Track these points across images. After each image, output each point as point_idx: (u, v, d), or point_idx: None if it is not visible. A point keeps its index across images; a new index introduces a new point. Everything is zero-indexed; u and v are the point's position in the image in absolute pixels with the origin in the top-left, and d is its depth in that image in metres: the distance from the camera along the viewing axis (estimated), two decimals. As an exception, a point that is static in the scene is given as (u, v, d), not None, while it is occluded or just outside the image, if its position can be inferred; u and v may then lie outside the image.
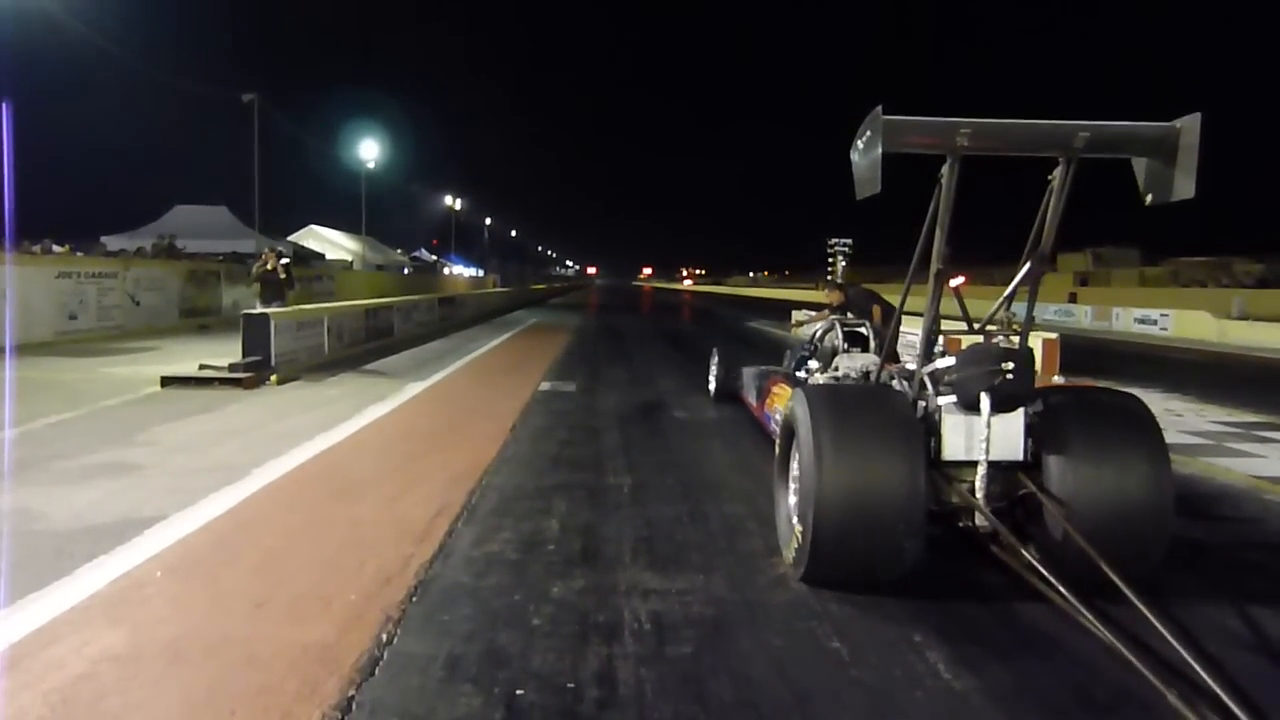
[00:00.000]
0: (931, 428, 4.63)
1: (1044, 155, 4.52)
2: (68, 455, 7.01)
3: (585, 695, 3.35)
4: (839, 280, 9.55)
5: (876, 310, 8.23)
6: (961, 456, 4.56)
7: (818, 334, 8.18)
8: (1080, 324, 35.34)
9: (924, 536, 4.28)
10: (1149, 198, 4.40)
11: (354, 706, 3.20)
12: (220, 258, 28.09)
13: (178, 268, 21.82)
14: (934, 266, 4.70)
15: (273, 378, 11.48)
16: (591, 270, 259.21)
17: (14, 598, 4.09)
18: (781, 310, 37.08)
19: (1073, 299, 41.63)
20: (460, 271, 72.38)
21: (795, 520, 4.71)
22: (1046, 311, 38.04)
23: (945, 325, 5.37)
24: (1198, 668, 3.22)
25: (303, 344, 13.13)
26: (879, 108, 4.28)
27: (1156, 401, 12.19)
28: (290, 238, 42.19)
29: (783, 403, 5.71)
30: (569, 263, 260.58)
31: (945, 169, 4.54)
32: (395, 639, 3.78)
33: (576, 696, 3.33)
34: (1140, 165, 4.44)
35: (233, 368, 11.23)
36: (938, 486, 4.59)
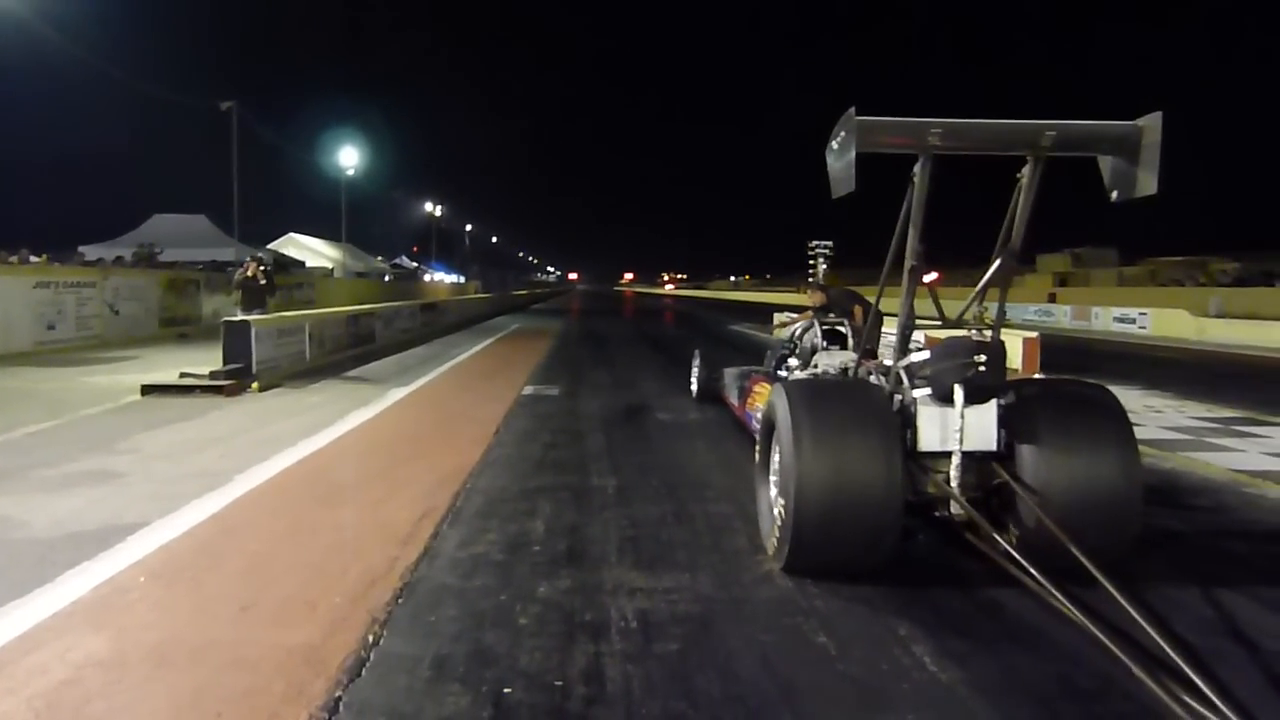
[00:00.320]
0: (908, 420, 4.74)
1: (1012, 154, 4.63)
2: (48, 464, 6.95)
3: (573, 693, 3.35)
4: (820, 282, 9.59)
5: (858, 310, 8.28)
6: (937, 447, 4.68)
7: (797, 333, 8.23)
8: (1060, 324, 35.59)
9: (901, 525, 4.39)
10: (1114, 194, 4.52)
11: (341, 707, 3.19)
12: (200, 266, 27.91)
13: (157, 277, 21.64)
14: (908, 263, 4.80)
15: (254, 385, 11.42)
16: (573, 276, 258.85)
17: (-5, 605, 4.05)
18: (763, 313, 37.17)
19: (1052, 299, 41.91)
20: (442, 278, 72.16)
21: (776, 511, 4.79)
22: (1026, 311, 38.36)
23: (928, 324, 5.44)
24: (1166, 647, 3.28)
25: (284, 351, 13.07)
26: (852, 109, 4.38)
27: (1136, 398, 12.31)
28: (270, 245, 41.86)
29: (764, 401, 5.77)
30: (551, 268, 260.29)
31: (918, 168, 4.63)
32: (381, 640, 3.77)
33: (565, 694, 3.34)
34: (1105, 163, 4.56)
35: (214, 375, 11.19)
36: (914, 477, 4.71)
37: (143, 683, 3.35)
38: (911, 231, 4.74)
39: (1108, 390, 4.89)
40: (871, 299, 5.59)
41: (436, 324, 26.12)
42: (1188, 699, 3.05)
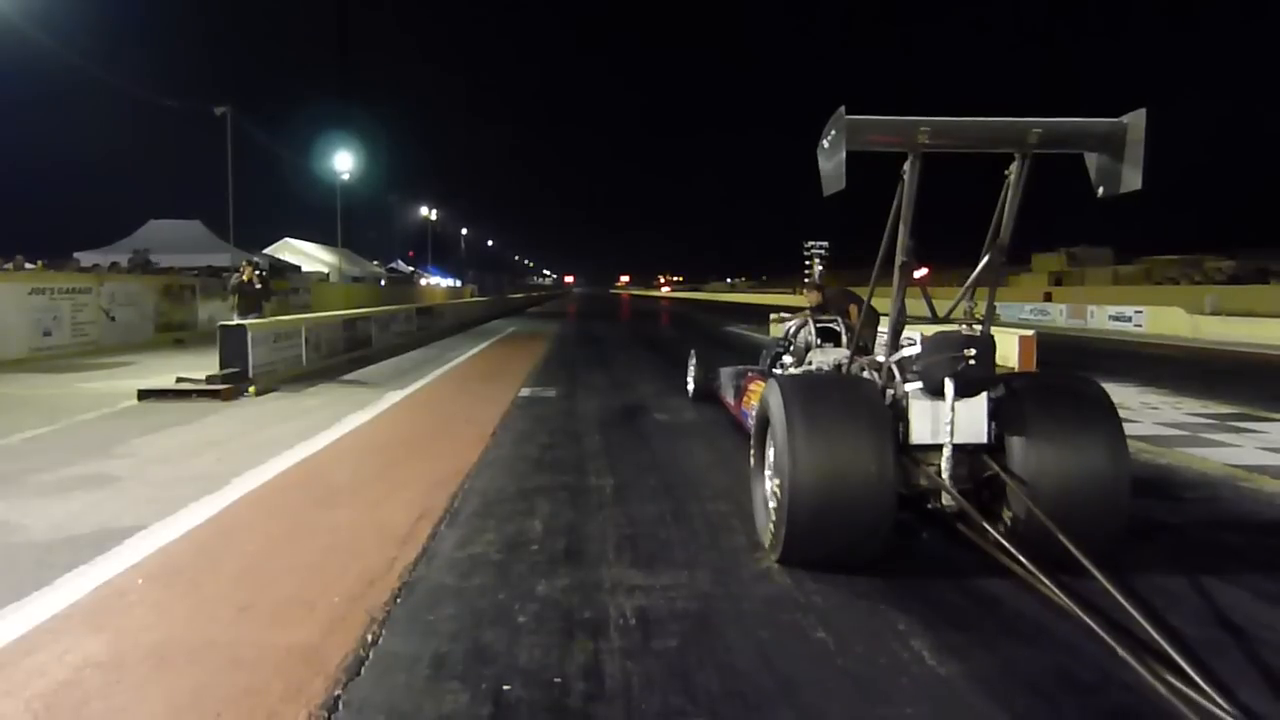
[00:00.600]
0: (900, 413, 4.80)
1: (1000, 151, 4.68)
2: (45, 469, 6.95)
3: (572, 689, 3.35)
4: (817, 281, 9.60)
5: (853, 309, 8.29)
6: (928, 440, 4.74)
7: (791, 331, 8.26)
8: (1055, 322, 35.66)
9: (894, 517, 4.46)
10: (1100, 190, 4.58)
11: (340, 705, 3.19)
12: (195, 272, 27.89)
13: (152, 282, 21.65)
14: (899, 259, 4.87)
15: (251, 389, 11.42)
16: (569, 279, 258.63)
17: (-7, 608, 4.05)
18: (759, 315, 37.17)
19: (1048, 298, 42.01)
20: (438, 282, 72.16)
21: (771, 505, 4.87)
22: (1022, 310, 38.44)
23: (920, 322, 5.48)
24: (1157, 636, 3.33)
25: (280, 355, 13.06)
26: (842, 108, 4.44)
27: (1132, 395, 12.33)
28: (265, 251, 41.86)
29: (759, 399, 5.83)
30: (546, 272, 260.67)
31: (907, 165, 4.70)
32: (380, 639, 3.77)
33: (564, 691, 3.34)
34: (1092, 160, 4.62)
35: (210, 380, 11.17)
36: (907, 470, 4.77)
37: (141, 683, 3.35)
38: (902, 228, 4.80)
39: (1096, 383, 4.96)
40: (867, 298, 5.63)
41: (433, 328, 26.10)
42: (1181, 686, 3.07)
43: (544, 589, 4.42)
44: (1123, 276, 51.23)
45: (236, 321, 12.62)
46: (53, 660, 3.52)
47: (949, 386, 4.60)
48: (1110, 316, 32.68)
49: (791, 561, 4.69)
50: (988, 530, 4.35)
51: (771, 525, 4.82)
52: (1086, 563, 3.79)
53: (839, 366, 6.64)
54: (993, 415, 4.75)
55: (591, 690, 3.35)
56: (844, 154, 4.42)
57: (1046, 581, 3.81)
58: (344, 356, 16.16)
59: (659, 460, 7.67)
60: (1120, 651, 3.26)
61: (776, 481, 4.75)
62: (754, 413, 5.62)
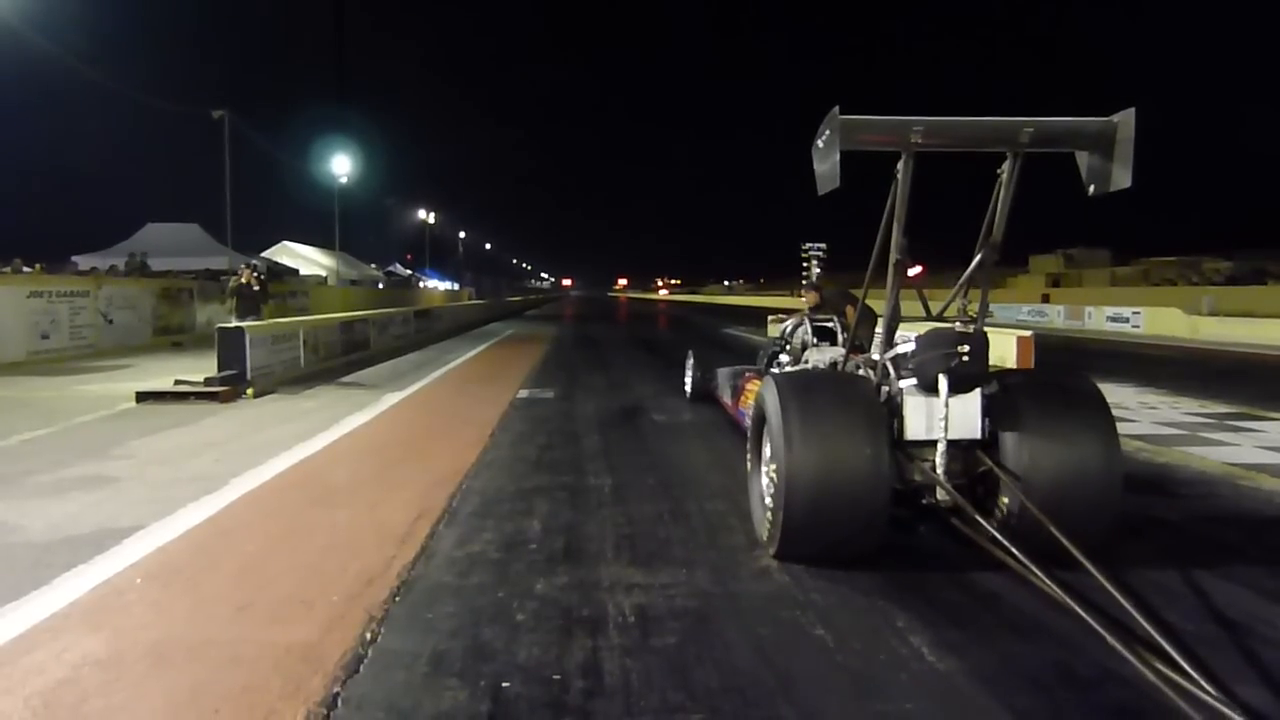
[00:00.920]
0: (894, 410, 4.85)
1: (992, 150, 4.74)
2: (43, 470, 6.94)
3: (572, 686, 3.35)
4: (815, 282, 9.61)
5: (850, 309, 8.30)
6: (923, 436, 4.78)
7: (788, 330, 8.28)
8: (1053, 323, 35.70)
9: (889, 512, 4.51)
10: (1091, 189, 4.62)
11: (339, 703, 3.19)
12: (193, 275, 27.87)
13: (150, 285, 21.62)
14: (892, 257, 4.90)
15: (249, 391, 11.41)
16: (567, 282, 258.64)
17: (-9, 608, 4.04)
18: (757, 317, 37.17)
19: (1045, 299, 42.04)
20: (436, 285, 72.17)
21: (768, 500, 4.92)
22: (1020, 312, 38.47)
23: (914, 320, 5.52)
24: (1149, 628, 3.36)
25: (278, 357, 13.05)
26: (836, 108, 4.49)
27: (1131, 395, 12.35)
28: (263, 254, 41.83)
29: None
30: (544, 275, 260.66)
31: (900, 165, 4.75)
32: (379, 637, 3.77)
33: (563, 687, 3.34)
34: (1082, 159, 4.67)
35: (208, 382, 11.17)
36: (901, 465, 4.81)
37: (140, 681, 3.35)
38: (895, 227, 4.86)
39: (1088, 379, 5.02)
40: (867, 299, 5.67)
41: (431, 330, 26.10)
42: (1180, 680, 3.07)
43: (543, 587, 4.42)
44: (1120, 278, 51.32)
45: (234, 324, 12.60)
46: (51, 658, 3.52)
47: (943, 383, 4.65)
48: (1108, 317, 32.72)
49: (788, 556, 4.73)
50: (981, 524, 4.39)
51: (768, 520, 4.87)
52: (1079, 556, 3.82)
53: (834, 365, 6.67)
54: (986, 411, 4.79)
55: (590, 687, 3.34)
56: (838, 154, 4.48)
57: (1040, 574, 3.83)
58: (342, 359, 16.15)
59: (657, 460, 7.67)
60: (1118, 646, 3.27)
61: (773, 477, 4.78)
62: (751, 412, 5.64)
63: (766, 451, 5.05)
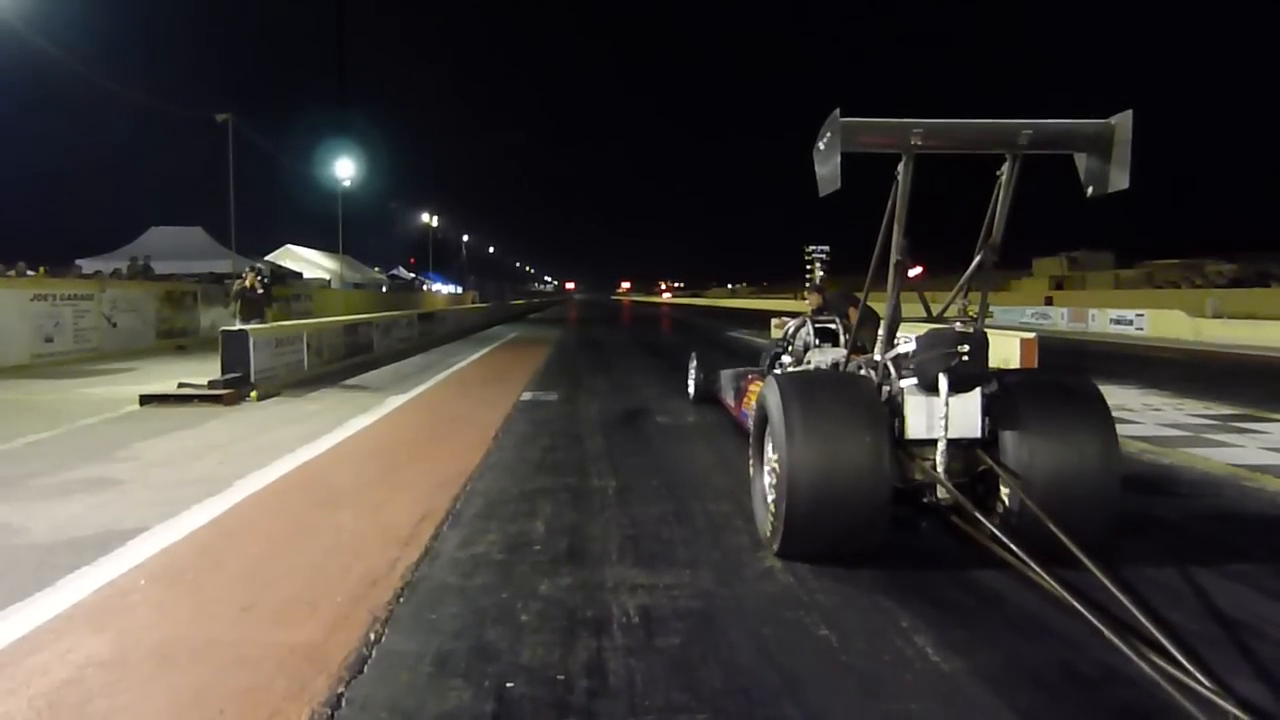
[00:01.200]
0: (895, 409, 4.88)
1: (991, 152, 4.80)
2: (47, 472, 6.95)
3: (576, 686, 3.35)
4: (817, 285, 9.63)
5: (852, 311, 8.30)
6: (923, 435, 4.81)
7: (790, 332, 8.28)
8: (1057, 326, 35.67)
9: (890, 510, 4.53)
10: (1089, 190, 4.67)
11: (344, 703, 3.19)
12: (196, 278, 27.91)
13: (154, 289, 21.65)
14: (893, 258, 4.95)
15: (252, 394, 11.41)
16: (570, 285, 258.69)
17: (-4, 609, 4.05)
18: (761, 320, 37.17)
19: (1049, 302, 41.98)
20: (439, 288, 72.20)
21: (770, 498, 4.98)
22: (1023, 314, 38.44)
23: (915, 321, 5.55)
24: (1147, 622, 3.36)
25: (282, 360, 13.06)
26: (836, 110, 4.54)
27: (1135, 397, 12.33)
28: (267, 257, 41.87)
29: (759, 398, 5.91)
30: (548, 278, 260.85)
31: (900, 167, 4.80)
32: (383, 638, 3.77)
33: (567, 687, 3.34)
34: (1081, 160, 4.71)
35: (212, 384, 11.17)
36: (902, 464, 4.85)
37: (144, 682, 3.35)
38: (896, 228, 4.91)
39: (1088, 379, 5.04)
40: (870, 301, 5.70)
41: (434, 333, 26.12)
42: (1185, 680, 3.07)
43: (547, 588, 4.41)
44: (1124, 280, 51.26)
45: (238, 327, 12.61)
46: (55, 659, 3.52)
47: (943, 382, 4.68)
48: (1111, 320, 32.68)
49: (790, 554, 4.76)
50: (982, 522, 4.40)
51: (771, 519, 4.92)
52: (1078, 553, 3.83)
53: (836, 365, 6.68)
54: (986, 410, 4.82)
55: (595, 687, 3.34)
56: (839, 156, 4.53)
57: (1040, 572, 3.84)
58: (346, 362, 16.17)
59: (661, 462, 7.67)
60: (1120, 645, 3.26)
61: (775, 476, 4.82)
62: (754, 413, 5.66)
63: (769, 450, 5.08)
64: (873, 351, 5.55)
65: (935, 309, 5.40)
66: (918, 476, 4.84)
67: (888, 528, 4.62)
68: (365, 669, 3.47)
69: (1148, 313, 30.94)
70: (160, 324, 20.76)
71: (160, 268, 30.74)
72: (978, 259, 4.93)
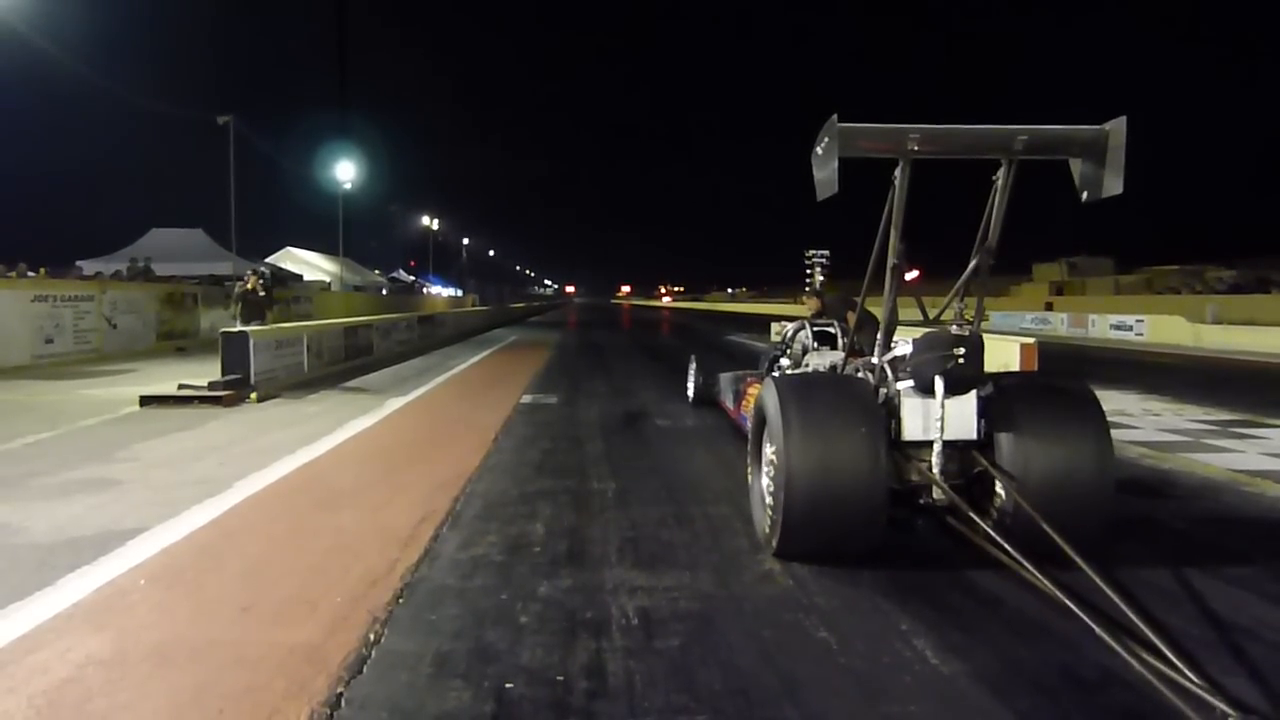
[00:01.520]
0: (892, 411, 4.92)
1: (987, 157, 4.85)
2: (47, 472, 6.95)
3: (575, 687, 3.35)
4: (817, 290, 9.63)
5: (850, 315, 8.31)
6: (920, 437, 4.85)
7: (789, 335, 8.31)
8: (1057, 331, 35.68)
9: (887, 510, 4.57)
10: (1084, 195, 4.73)
11: (343, 703, 3.19)
12: (197, 280, 27.90)
13: (154, 290, 21.65)
14: (890, 262, 4.99)
15: (252, 395, 11.42)
16: (570, 289, 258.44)
17: (-5, 608, 4.05)
18: (760, 324, 37.18)
19: (1049, 307, 41.99)
20: (439, 291, 72.21)
21: (768, 499, 5.01)
22: (1023, 320, 38.44)
23: (912, 325, 5.58)
24: (1138, 621, 3.38)
25: (282, 362, 13.07)
26: (834, 116, 4.57)
27: (1134, 402, 12.33)
28: (268, 259, 41.81)
29: (757, 401, 5.94)
30: (547, 282, 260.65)
31: (897, 171, 4.84)
32: (383, 639, 3.77)
33: (566, 688, 3.34)
34: (1076, 166, 4.77)
35: (212, 386, 11.18)
36: (899, 465, 4.88)
37: (144, 681, 3.35)
38: (893, 232, 4.94)
39: (1083, 382, 5.09)
40: (868, 305, 5.74)
41: (434, 336, 26.13)
42: (1183, 682, 3.07)
43: (546, 589, 4.42)
44: (1124, 286, 51.21)
45: (239, 328, 12.62)
46: (55, 658, 3.52)
47: (939, 384, 4.72)
48: (1111, 325, 32.68)
49: (788, 554, 4.80)
50: (977, 523, 4.44)
51: (769, 519, 4.95)
52: (1072, 554, 3.85)
53: (834, 368, 6.71)
54: (982, 412, 4.86)
55: (594, 688, 3.35)
56: (837, 160, 4.58)
57: (1034, 573, 3.86)
58: (346, 364, 16.18)
59: (660, 465, 7.68)
60: (1112, 644, 3.28)
61: (773, 475, 4.84)
62: (752, 415, 5.68)
63: (767, 451, 5.12)
64: (871, 354, 5.58)
65: (932, 312, 5.43)
66: (914, 478, 4.87)
67: (885, 528, 4.66)
68: (365, 669, 3.47)
69: (1148, 318, 30.96)
70: (160, 326, 20.78)
71: (161, 269, 30.69)
72: (974, 263, 4.96)
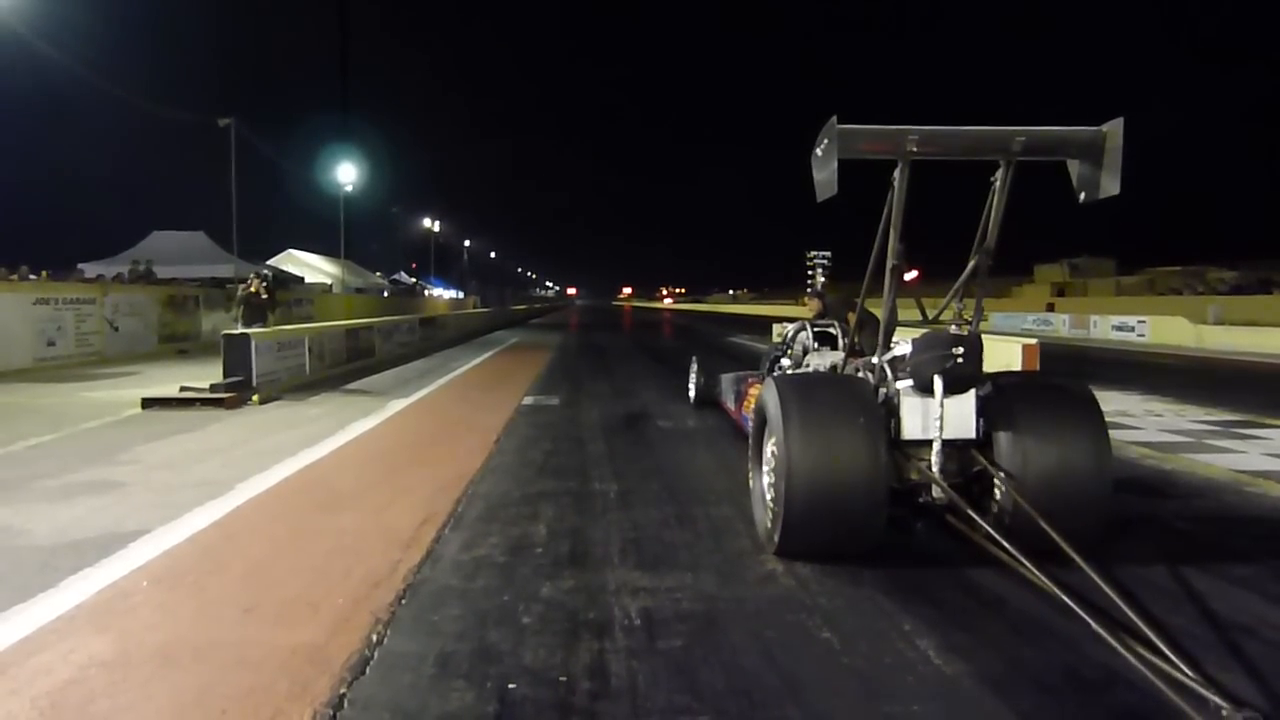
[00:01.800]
0: (892, 410, 4.95)
1: (985, 159, 4.89)
2: (49, 475, 6.95)
3: (578, 687, 3.35)
4: (818, 291, 9.64)
5: (851, 316, 8.31)
6: (919, 436, 4.89)
7: (789, 335, 8.32)
8: (1058, 332, 35.70)
9: (886, 508, 4.59)
10: (1082, 196, 4.78)
11: (346, 704, 3.19)
12: (199, 283, 27.92)
13: (156, 293, 21.66)
14: (889, 263, 5.02)
15: (254, 397, 11.42)
16: (571, 291, 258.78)
17: (-2, 610, 4.05)
18: (761, 326, 37.18)
19: (1050, 308, 42.01)
20: (440, 293, 72.23)
21: (769, 498, 5.06)
22: (1025, 321, 38.44)
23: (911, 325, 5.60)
24: (1134, 616, 3.38)
25: (284, 364, 13.07)
26: (834, 118, 4.60)
27: (1136, 403, 12.33)
28: (269, 262, 41.78)
29: (759, 402, 5.96)
30: (549, 284, 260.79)
31: (896, 173, 4.88)
32: (385, 639, 3.78)
33: (569, 689, 3.34)
34: (1073, 167, 4.82)
35: (214, 388, 11.18)
36: (899, 464, 4.91)
37: (146, 682, 3.35)
38: (892, 233, 4.97)
39: (1081, 382, 5.12)
40: (868, 306, 5.76)
41: (435, 338, 26.14)
42: (1185, 680, 3.06)
43: (548, 590, 4.42)
44: (1125, 287, 51.25)
45: (240, 330, 12.62)
46: (58, 659, 3.52)
47: (938, 383, 4.75)
48: (1113, 326, 32.69)
49: (788, 552, 4.82)
50: (977, 521, 4.44)
51: (769, 518, 4.97)
52: (1071, 552, 3.86)
53: (834, 368, 6.73)
54: (981, 411, 4.89)
55: (596, 688, 3.35)
56: (836, 162, 4.62)
57: (1034, 571, 3.86)
58: (347, 366, 16.19)
59: (662, 465, 7.68)
60: (1111, 641, 3.28)
61: (774, 474, 4.87)
62: (753, 415, 5.69)
63: (768, 451, 5.15)
64: (871, 354, 5.59)
65: (931, 313, 5.45)
66: (913, 477, 4.90)
67: (885, 526, 4.68)
68: (367, 670, 3.47)
69: (1149, 319, 30.97)
70: (162, 328, 20.78)
71: (162, 272, 30.69)
72: (973, 264, 4.99)
